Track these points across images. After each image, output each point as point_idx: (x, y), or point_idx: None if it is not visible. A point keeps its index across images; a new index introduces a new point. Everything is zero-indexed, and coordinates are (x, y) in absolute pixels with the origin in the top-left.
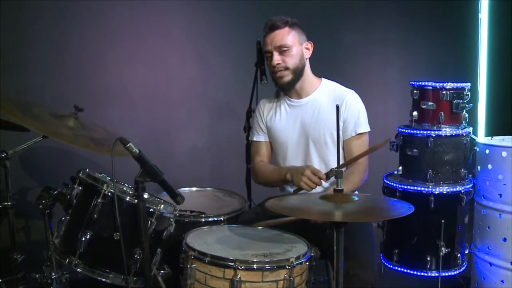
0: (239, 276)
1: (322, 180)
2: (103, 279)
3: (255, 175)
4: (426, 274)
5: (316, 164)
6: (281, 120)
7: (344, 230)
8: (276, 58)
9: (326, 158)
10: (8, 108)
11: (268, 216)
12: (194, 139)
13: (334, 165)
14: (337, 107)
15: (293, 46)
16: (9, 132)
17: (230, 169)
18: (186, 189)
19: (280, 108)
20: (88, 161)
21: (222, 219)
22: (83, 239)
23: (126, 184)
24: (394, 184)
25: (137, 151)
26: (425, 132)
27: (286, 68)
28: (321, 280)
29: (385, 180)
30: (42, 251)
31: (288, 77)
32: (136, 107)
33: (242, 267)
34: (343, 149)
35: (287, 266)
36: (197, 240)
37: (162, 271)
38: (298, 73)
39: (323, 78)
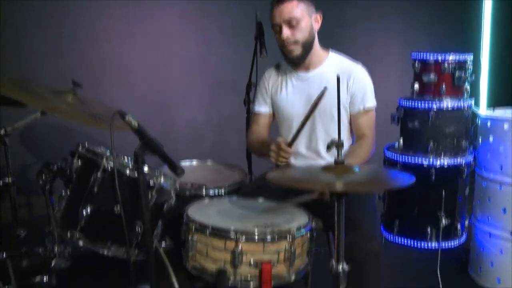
0: (240, 247)
1: (323, 153)
2: (105, 252)
3: (249, 142)
4: (426, 245)
5: (322, 138)
6: (287, 93)
7: (347, 202)
8: (286, 32)
9: (332, 132)
10: (5, 85)
11: (269, 189)
12: (195, 114)
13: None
14: (338, 78)
15: (302, 18)
16: (8, 109)
17: (231, 142)
18: (187, 162)
19: (286, 81)
20: (88, 137)
21: (223, 191)
22: (84, 213)
23: (126, 158)
24: (395, 157)
25: (136, 124)
26: (426, 104)
27: (296, 42)
28: (322, 251)
29: (386, 153)
30: (44, 226)
31: (297, 51)
32: (136, 83)
33: (243, 238)
34: (350, 124)
35: (288, 237)
36: (198, 212)
37: (164, 244)
38: (307, 46)
39: (330, 51)
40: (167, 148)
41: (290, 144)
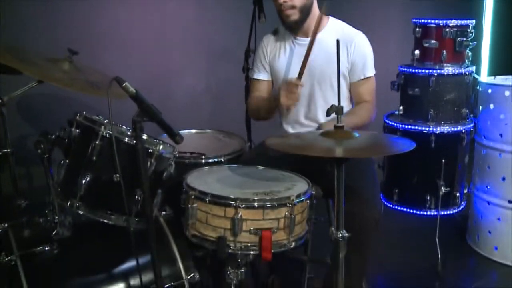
0: (240, 214)
1: (322, 121)
2: (106, 221)
3: (249, 108)
4: (425, 213)
5: (321, 106)
6: (285, 59)
7: (347, 169)
8: None
9: (331, 101)
10: (0, 52)
11: (269, 155)
12: (192, 82)
13: None
14: (337, 42)
15: None
16: (4, 79)
17: (230, 111)
18: (186, 131)
19: (285, 46)
20: (85, 106)
21: (222, 159)
22: (83, 181)
23: (124, 126)
24: (395, 124)
25: (134, 91)
26: (427, 71)
27: (293, 7)
28: (322, 219)
29: (386, 120)
30: (44, 196)
31: (295, 15)
32: (133, 52)
33: (243, 205)
34: (350, 91)
35: (287, 204)
36: (197, 180)
37: (164, 212)
38: (305, 11)
39: (330, 17)
40: (166, 117)
41: (299, 77)
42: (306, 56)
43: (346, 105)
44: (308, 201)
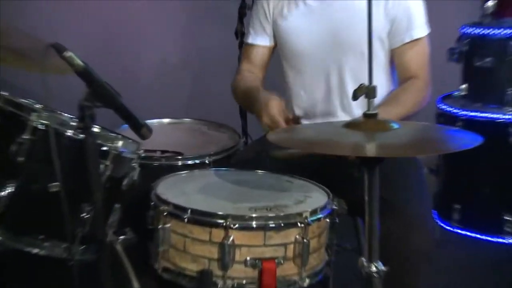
0: (232, 238)
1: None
2: (36, 250)
3: (234, 91)
4: (500, 240)
5: (350, 84)
6: (298, 17)
7: (382, 174)
8: None
9: (361, 76)
10: None
11: (273, 155)
12: (165, 52)
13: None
14: None
15: None
16: None
17: (217, 92)
18: (155, 121)
19: (296, 0)
20: (7, 84)
21: (207, 161)
22: (3, 193)
23: (66, 114)
24: (455, 110)
25: (81, 64)
26: (504, 31)
27: None
28: (348, 247)
29: (441, 105)
30: None
31: None
32: (80, 10)
33: (236, 225)
34: (394, 61)
35: (299, 224)
36: (172, 190)
37: (123, 236)
38: None
39: None
40: (129, 102)
41: (295, 120)
42: None
43: (384, 81)
44: (327, 220)
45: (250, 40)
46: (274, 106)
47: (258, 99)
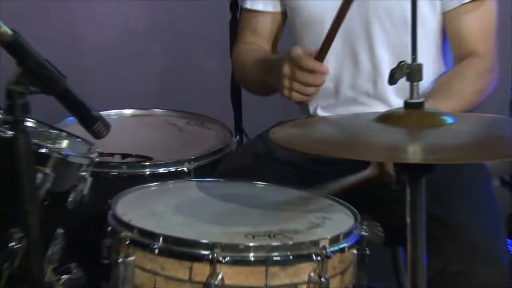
0: (220, 276)
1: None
2: None
3: (236, 67)
4: None
5: (386, 62)
6: None
7: (434, 188)
8: None
9: (402, 50)
10: None
11: (277, 159)
12: (129, 15)
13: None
14: None
15: None
16: None
17: (200, 72)
18: (113, 112)
19: None
20: None
21: (186, 169)
22: None
23: None
24: None
25: (9, 32)
26: None
27: None
28: None
29: None
30: None
31: None
32: None
33: (227, 258)
34: (447, 31)
35: (314, 256)
36: (137, 209)
37: (66, 275)
38: None
39: None
40: (77, 86)
41: (319, 57)
42: (338, 18)
43: (433, 58)
44: (354, 251)
45: (248, 5)
46: (298, 48)
47: (275, 60)
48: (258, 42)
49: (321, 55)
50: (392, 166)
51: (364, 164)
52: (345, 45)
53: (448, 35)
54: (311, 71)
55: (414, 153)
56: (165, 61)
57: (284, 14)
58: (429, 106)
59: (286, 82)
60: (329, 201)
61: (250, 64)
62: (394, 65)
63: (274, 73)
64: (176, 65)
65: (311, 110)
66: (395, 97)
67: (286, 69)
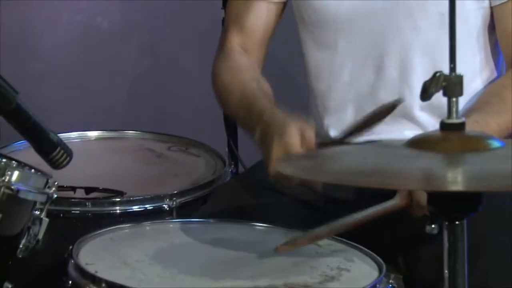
0: None
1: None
2: None
3: (215, 80)
4: None
5: (419, 71)
6: None
7: (477, 227)
8: None
9: (438, 54)
10: None
11: (281, 193)
12: (93, 14)
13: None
14: None
15: None
16: None
17: (184, 84)
18: (74, 134)
19: None
20: None
21: (166, 206)
22: None
23: None
24: None
25: None
26: None
27: None
28: None
29: None
30: None
31: None
32: None
33: None
34: (496, 29)
35: None
36: (105, 257)
37: None
38: None
39: None
40: (30, 101)
41: (322, 146)
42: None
43: (479, 69)
44: None
45: None
46: (294, 132)
47: (263, 116)
48: (247, 44)
49: (325, 144)
50: (425, 198)
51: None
52: (366, 45)
53: (497, 35)
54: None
55: (454, 181)
56: (139, 69)
57: (283, 5)
58: (477, 121)
59: (271, 163)
60: (346, 247)
61: (233, 98)
62: (428, 73)
63: (262, 135)
64: (153, 73)
65: (327, 130)
66: (421, 113)
67: (277, 152)
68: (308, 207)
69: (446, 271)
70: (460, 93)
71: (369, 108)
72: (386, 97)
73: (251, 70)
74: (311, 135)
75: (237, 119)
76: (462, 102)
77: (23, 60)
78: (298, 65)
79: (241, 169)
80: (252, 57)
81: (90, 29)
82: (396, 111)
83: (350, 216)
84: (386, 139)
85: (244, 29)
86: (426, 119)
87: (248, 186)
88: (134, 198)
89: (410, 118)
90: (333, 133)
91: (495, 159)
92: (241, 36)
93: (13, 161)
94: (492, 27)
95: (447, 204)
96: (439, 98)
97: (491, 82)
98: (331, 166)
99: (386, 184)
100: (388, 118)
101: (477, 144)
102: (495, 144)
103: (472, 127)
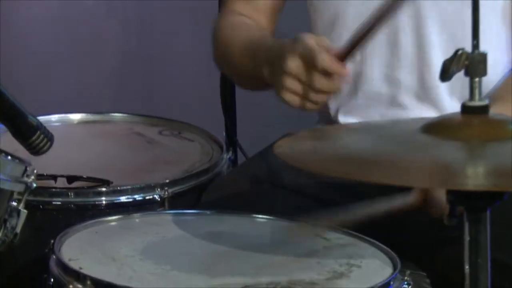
0: None
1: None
2: None
3: (214, 46)
4: None
5: (438, 50)
6: None
7: (502, 224)
8: None
9: (459, 31)
10: None
11: (284, 183)
12: None
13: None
14: None
15: None
16: None
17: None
18: (55, 117)
19: None
20: None
21: (157, 197)
22: None
23: None
24: None
25: None
26: None
27: None
28: None
29: None
30: None
31: None
32: None
33: None
34: None
35: None
36: (90, 252)
37: None
38: None
39: None
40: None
41: (342, 55)
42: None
43: (504, 50)
44: None
45: None
46: (312, 37)
47: (275, 46)
48: (253, 15)
49: (345, 53)
50: (444, 195)
51: (402, 192)
52: (394, 36)
53: None
54: (326, 73)
55: (475, 177)
56: (127, 47)
57: None
58: (497, 108)
59: (288, 82)
60: (357, 240)
61: (238, 45)
62: (449, 52)
63: (272, 64)
64: (142, 52)
65: (331, 113)
66: (448, 98)
67: (292, 64)
68: (311, 197)
69: (467, 267)
70: (484, 72)
71: (385, 90)
72: (403, 76)
73: (255, 28)
74: (327, 43)
75: (241, 72)
76: (487, 84)
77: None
78: None
79: (240, 156)
80: (257, 26)
81: (72, 4)
82: (415, 93)
83: (358, 207)
84: (403, 119)
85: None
86: (450, 104)
87: (247, 176)
88: (122, 188)
89: (432, 101)
90: (343, 119)
91: None
92: (246, 6)
93: None
94: None
95: (468, 198)
96: (464, 79)
97: None
98: (333, 153)
99: (395, 181)
100: (406, 101)
101: (503, 130)
102: None
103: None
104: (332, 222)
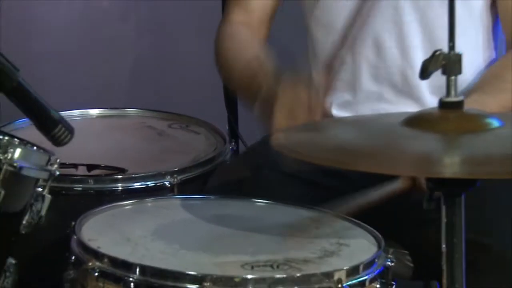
0: None
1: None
2: None
3: (217, 51)
4: None
5: (418, 49)
6: None
7: (476, 206)
8: None
9: (439, 33)
10: None
11: (281, 171)
12: None
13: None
14: None
15: None
16: None
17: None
18: (76, 112)
19: None
20: None
21: (167, 183)
22: None
23: None
24: None
25: None
26: None
27: None
28: None
29: None
30: None
31: None
32: None
33: None
34: (498, 11)
35: None
36: (108, 234)
37: None
38: None
39: None
40: (32, 80)
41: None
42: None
43: (479, 49)
44: (377, 286)
45: None
46: (301, 92)
47: (265, 79)
48: (250, 22)
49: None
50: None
51: (390, 177)
52: (363, 23)
53: (499, 15)
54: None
55: (451, 166)
56: (140, 47)
57: None
58: (476, 101)
59: (280, 114)
60: (346, 223)
61: (236, 66)
62: (430, 53)
63: (260, 105)
64: (154, 52)
65: (326, 108)
66: (429, 95)
67: (278, 116)
68: (306, 182)
69: (444, 246)
70: (459, 71)
71: (373, 87)
72: (388, 75)
73: (254, 42)
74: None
75: (239, 92)
76: (464, 82)
77: (24, 38)
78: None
79: (241, 146)
80: (254, 34)
81: (90, 7)
82: (400, 90)
83: (355, 197)
84: (387, 113)
85: (246, 7)
86: (431, 100)
87: (248, 164)
88: (136, 175)
89: (415, 98)
90: (336, 113)
91: (495, 141)
92: (243, 15)
93: (15, 139)
94: (493, 7)
95: (445, 185)
96: (440, 78)
97: (491, 62)
98: (325, 144)
99: (382, 169)
100: (391, 97)
101: (476, 123)
102: (494, 123)
103: (471, 106)
104: (332, 209)
